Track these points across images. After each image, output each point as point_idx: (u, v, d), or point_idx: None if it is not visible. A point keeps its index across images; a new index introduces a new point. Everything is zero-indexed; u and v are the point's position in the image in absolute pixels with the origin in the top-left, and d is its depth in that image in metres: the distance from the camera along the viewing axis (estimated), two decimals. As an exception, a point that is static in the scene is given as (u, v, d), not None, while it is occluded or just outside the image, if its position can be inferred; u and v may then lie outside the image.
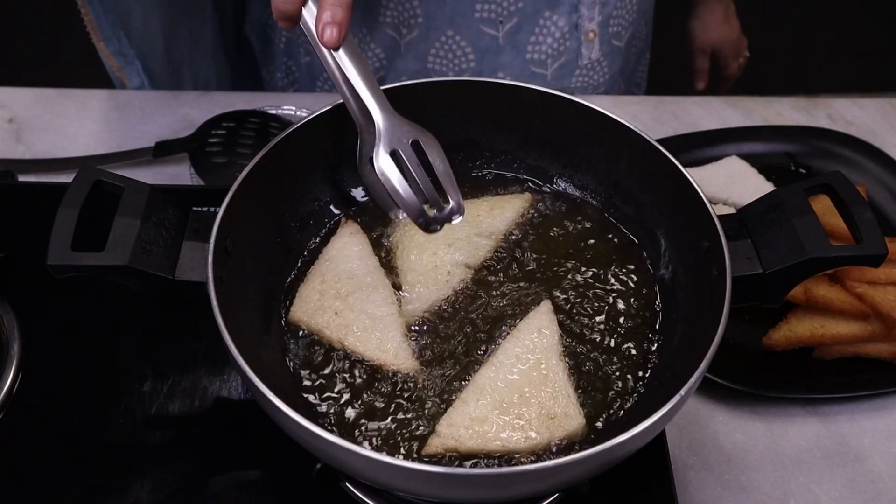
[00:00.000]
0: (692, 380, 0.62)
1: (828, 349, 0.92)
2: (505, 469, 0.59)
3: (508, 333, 0.75)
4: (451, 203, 0.72)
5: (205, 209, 0.73)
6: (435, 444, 0.68)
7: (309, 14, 0.74)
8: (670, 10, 1.52)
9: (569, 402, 0.70)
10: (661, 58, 1.50)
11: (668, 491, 0.76)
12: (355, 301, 0.77)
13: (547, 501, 0.76)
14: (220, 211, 0.70)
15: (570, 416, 0.70)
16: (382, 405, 0.71)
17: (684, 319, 0.76)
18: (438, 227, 0.72)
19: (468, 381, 0.72)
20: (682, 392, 0.62)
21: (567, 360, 0.74)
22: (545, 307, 0.77)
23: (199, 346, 0.86)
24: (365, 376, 0.73)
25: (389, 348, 0.74)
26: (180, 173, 1.09)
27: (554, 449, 0.69)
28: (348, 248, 0.81)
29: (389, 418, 0.71)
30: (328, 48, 0.72)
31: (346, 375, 0.73)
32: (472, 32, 1.17)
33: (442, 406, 0.71)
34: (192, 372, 0.84)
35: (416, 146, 0.73)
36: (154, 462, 0.78)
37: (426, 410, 0.71)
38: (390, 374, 0.73)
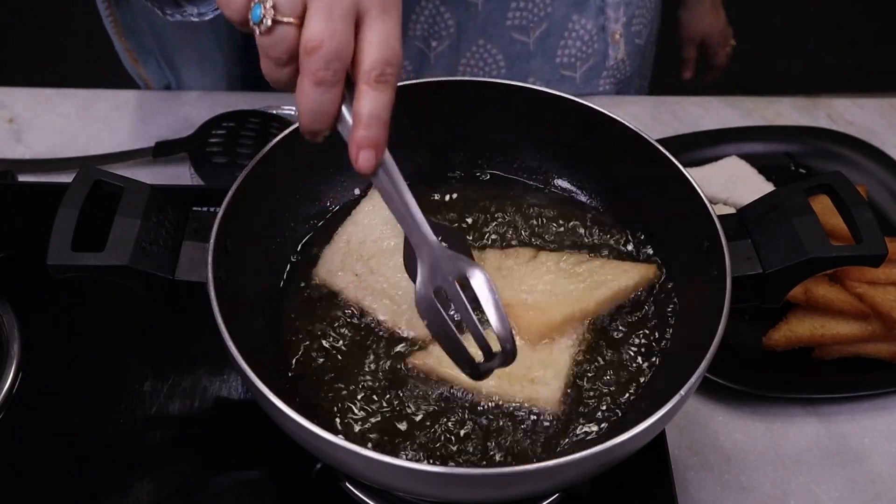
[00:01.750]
0: (692, 380, 0.62)
1: (828, 349, 0.92)
2: (505, 469, 0.59)
3: None
4: (502, 345, 0.62)
5: (205, 209, 0.73)
6: (419, 359, 0.72)
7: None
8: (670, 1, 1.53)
9: (557, 377, 0.71)
10: (663, 49, 1.51)
11: (668, 491, 0.76)
12: (377, 265, 0.79)
13: (547, 501, 0.76)
14: (220, 211, 0.70)
15: (548, 387, 0.71)
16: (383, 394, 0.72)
17: (684, 319, 0.76)
18: (487, 375, 0.64)
19: None
20: (682, 392, 0.62)
21: (582, 353, 0.75)
22: None
23: (199, 346, 0.86)
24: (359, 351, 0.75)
25: (404, 312, 0.75)
26: (180, 173, 1.09)
27: (515, 403, 0.71)
28: (376, 212, 0.83)
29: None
30: (363, 174, 0.60)
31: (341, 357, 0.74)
32: (504, 40, 1.17)
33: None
34: (192, 372, 0.84)
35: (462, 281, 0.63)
36: (154, 462, 0.78)
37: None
38: (400, 340, 0.75)
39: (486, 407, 0.71)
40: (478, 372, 0.63)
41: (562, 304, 0.76)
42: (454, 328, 0.62)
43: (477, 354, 0.63)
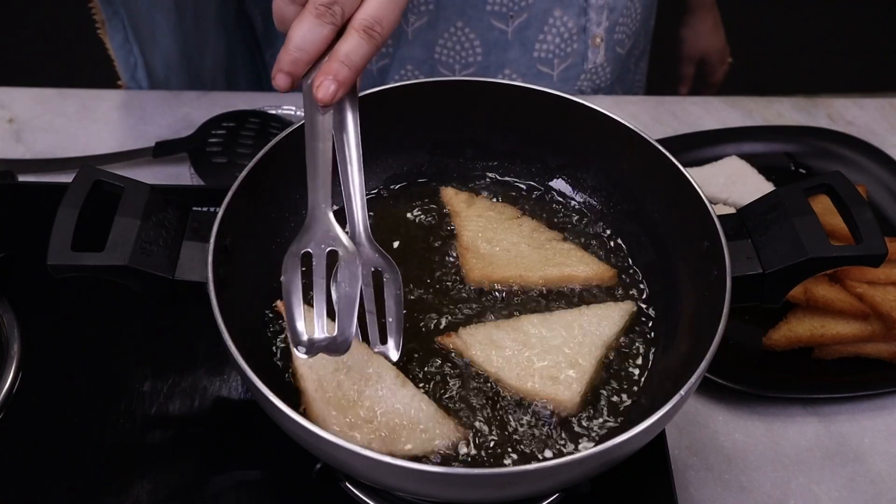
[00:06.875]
0: (692, 380, 0.62)
1: (828, 349, 0.92)
2: (505, 469, 0.59)
3: None
4: (339, 335, 0.64)
5: (205, 209, 0.73)
6: (449, 340, 0.74)
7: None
8: (669, 19, 1.54)
9: (580, 381, 0.72)
10: (658, 65, 1.52)
11: (668, 491, 0.76)
12: (371, 395, 0.70)
13: (547, 501, 0.76)
14: (220, 211, 0.70)
15: (569, 390, 0.71)
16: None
17: (684, 319, 0.76)
18: (313, 354, 0.64)
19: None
20: (682, 392, 0.62)
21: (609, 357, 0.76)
22: (627, 306, 0.78)
23: (199, 346, 0.86)
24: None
25: (437, 432, 0.69)
26: (180, 173, 1.09)
27: (537, 405, 0.71)
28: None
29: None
30: (318, 102, 0.66)
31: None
32: (482, 25, 1.17)
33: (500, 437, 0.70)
34: (192, 372, 0.84)
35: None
36: (154, 462, 0.78)
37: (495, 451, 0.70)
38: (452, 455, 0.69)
39: (508, 398, 0.72)
40: (305, 347, 0.64)
41: (510, 265, 0.80)
42: (301, 295, 0.65)
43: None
